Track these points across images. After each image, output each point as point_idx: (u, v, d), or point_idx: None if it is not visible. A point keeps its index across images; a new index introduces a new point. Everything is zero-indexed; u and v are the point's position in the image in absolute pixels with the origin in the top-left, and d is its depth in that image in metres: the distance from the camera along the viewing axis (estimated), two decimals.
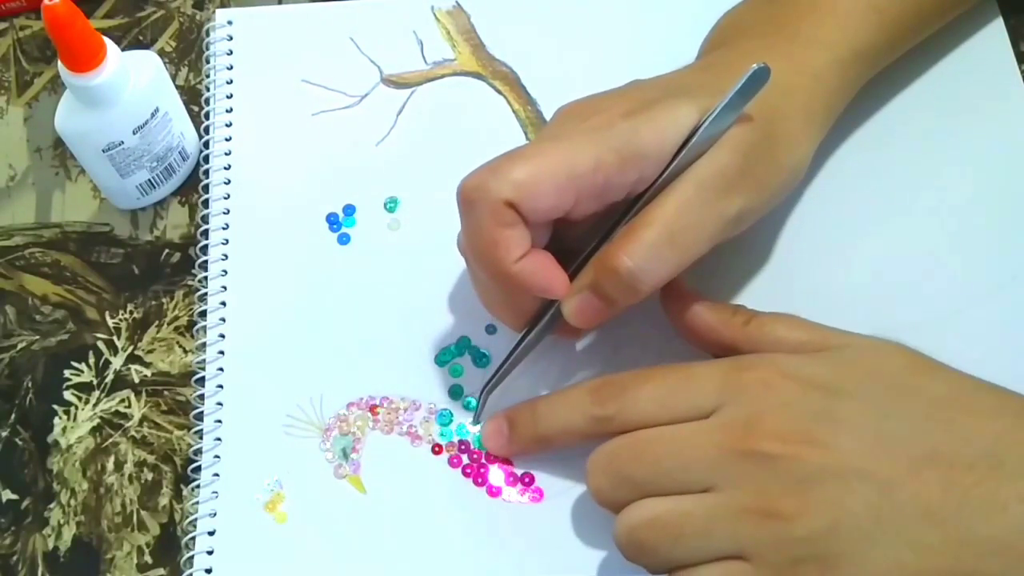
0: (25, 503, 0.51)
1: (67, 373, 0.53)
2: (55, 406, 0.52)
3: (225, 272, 0.54)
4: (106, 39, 0.50)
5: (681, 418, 0.42)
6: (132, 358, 0.53)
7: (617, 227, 0.45)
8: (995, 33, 0.57)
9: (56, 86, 0.61)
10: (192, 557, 0.48)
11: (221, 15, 0.61)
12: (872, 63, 0.51)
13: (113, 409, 0.52)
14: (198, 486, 0.50)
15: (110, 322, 0.54)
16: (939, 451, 0.40)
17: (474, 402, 0.50)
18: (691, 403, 0.43)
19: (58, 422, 0.52)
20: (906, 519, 0.39)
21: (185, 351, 0.53)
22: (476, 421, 0.50)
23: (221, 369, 0.52)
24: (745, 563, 0.40)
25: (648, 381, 0.44)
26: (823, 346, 0.44)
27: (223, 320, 0.53)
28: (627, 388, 0.44)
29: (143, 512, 0.50)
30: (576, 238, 0.47)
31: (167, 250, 0.56)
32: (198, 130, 0.58)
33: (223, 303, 0.53)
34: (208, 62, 0.60)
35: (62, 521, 0.50)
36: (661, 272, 0.44)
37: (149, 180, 0.56)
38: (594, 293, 0.44)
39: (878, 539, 0.39)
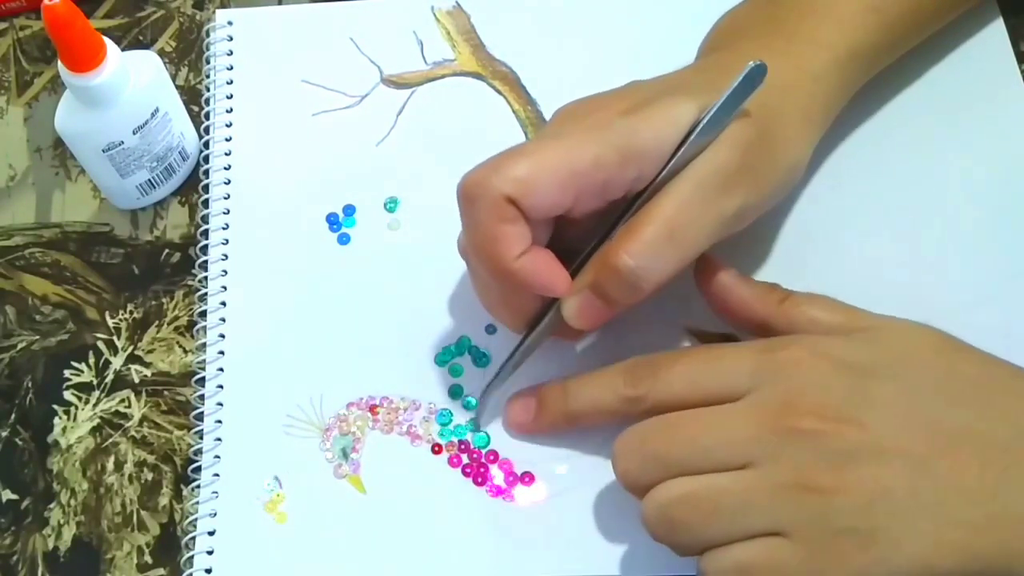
0: (25, 503, 0.51)
1: (67, 373, 0.53)
2: (55, 406, 0.52)
3: (225, 272, 0.54)
4: (106, 39, 0.50)
5: (713, 398, 0.42)
6: (132, 358, 0.53)
7: (617, 226, 0.45)
8: (995, 33, 0.57)
9: (56, 86, 0.61)
10: (192, 557, 0.48)
11: (221, 15, 0.61)
12: (871, 63, 0.51)
13: (113, 409, 0.52)
14: (198, 486, 0.50)
15: (110, 322, 0.54)
16: (974, 430, 0.40)
17: (474, 402, 0.50)
18: (724, 383, 0.43)
19: (58, 422, 0.52)
20: (943, 496, 0.39)
21: (185, 351, 0.53)
22: (476, 425, 0.50)
23: (221, 369, 0.52)
24: (783, 539, 0.40)
25: (680, 361, 0.44)
26: (856, 327, 0.44)
27: (223, 320, 0.53)
28: (660, 368, 0.44)
29: (143, 512, 0.50)
30: (577, 237, 0.47)
31: (167, 250, 0.56)
32: (198, 130, 0.58)
33: (223, 303, 0.53)
34: (208, 62, 0.60)
35: (62, 521, 0.50)
36: (662, 270, 0.44)
37: (149, 180, 0.56)
38: (595, 292, 0.44)
39: (916, 516, 0.39)
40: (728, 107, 0.43)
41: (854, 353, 0.42)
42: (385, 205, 0.56)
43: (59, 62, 0.50)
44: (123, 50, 0.51)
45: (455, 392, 0.51)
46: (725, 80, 0.43)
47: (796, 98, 0.47)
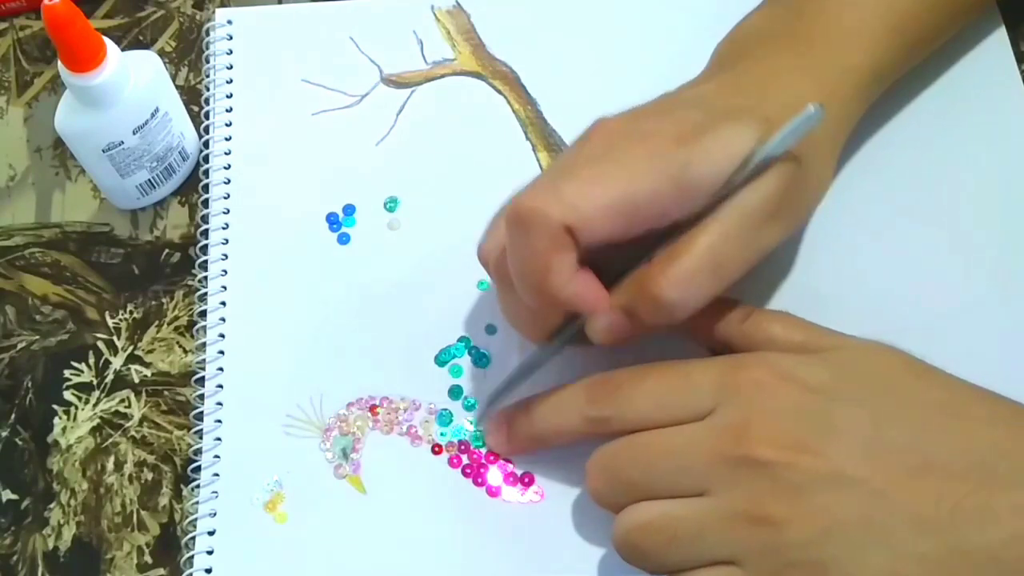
0: (25, 503, 0.51)
1: (67, 373, 0.53)
2: (55, 406, 0.53)
3: (225, 272, 0.54)
4: (106, 39, 0.50)
5: (677, 418, 0.42)
6: (132, 358, 0.53)
7: (655, 248, 0.44)
8: (996, 35, 0.57)
9: (56, 86, 0.61)
10: (192, 557, 0.48)
11: (221, 15, 0.61)
12: (888, 81, 0.51)
13: (113, 409, 0.52)
14: (198, 486, 0.50)
15: (110, 322, 0.54)
16: (932, 460, 0.40)
17: (473, 401, 0.50)
18: (687, 403, 0.43)
19: (58, 422, 0.52)
20: (898, 528, 0.39)
21: (185, 351, 0.53)
22: (478, 425, 0.50)
23: (221, 369, 0.52)
24: (737, 568, 0.40)
25: (643, 380, 0.44)
26: (818, 347, 0.44)
27: (223, 320, 0.53)
28: (622, 387, 0.44)
29: (143, 512, 0.50)
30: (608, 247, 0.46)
31: (167, 250, 0.56)
32: (198, 130, 0.58)
33: (223, 303, 0.53)
34: (208, 62, 0.60)
35: (62, 521, 0.50)
36: (699, 300, 0.43)
37: (149, 180, 0.56)
38: (626, 314, 0.44)
39: (869, 547, 0.39)
40: (781, 146, 0.43)
41: (817, 374, 0.42)
42: (385, 205, 0.56)
43: (59, 62, 0.50)
44: (123, 50, 0.51)
45: (455, 392, 0.51)
46: (768, 102, 0.43)
47: (827, 127, 0.46)
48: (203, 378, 0.52)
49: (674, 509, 0.41)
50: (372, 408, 0.51)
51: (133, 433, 0.52)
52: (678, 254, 0.43)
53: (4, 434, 0.52)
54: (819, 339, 0.45)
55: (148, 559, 0.49)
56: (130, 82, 0.52)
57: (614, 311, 0.44)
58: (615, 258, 0.45)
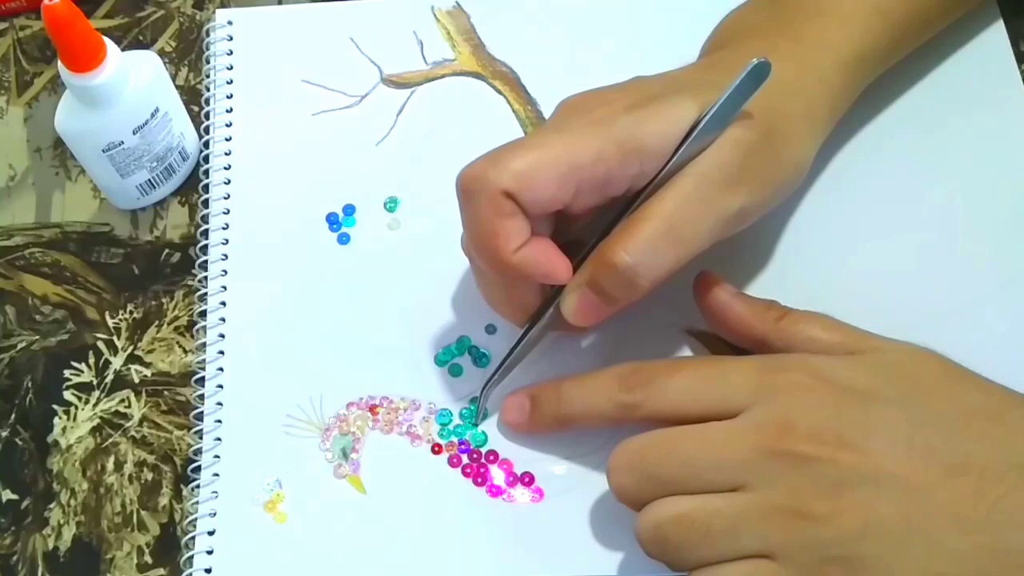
0: (25, 503, 0.51)
1: (67, 373, 0.53)
2: (55, 406, 0.53)
3: (225, 272, 0.54)
4: (106, 39, 0.50)
5: (710, 412, 0.42)
6: (132, 358, 0.53)
7: (617, 222, 0.45)
8: (995, 34, 0.57)
9: (56, 86, 0.61)
10: (192, 557, 0.48)
11: (221, 15, 0.61)
12: (876, 65, 0.51)
13: (113, 409, 0.52)
14: (198, 486, 0.50)
15: (110, 322, 0.54)
16: (971, 460, 0.40)
17: (471, 411, 0.50)
18: (722, 398, 0.42)
19: (58, 422, 0.52)
20: (936, 525, 0.39)
21: (185, 351, 0.53)
22: (475, 421, 0.50)
23: (221, 369, 0.52)
24: (772, 562, 0.40)
25: (679, 371, 0.44)
26: (856, 349, 0.44)
27: (223, 320, 0.53)
28: (657, 376, 0.44)
29: (143, 512, 0.50)
30: (580, 231, 0.46)
31: (167, 250, 0.56)
32: (198, 130, 0.58)
33: (223, 303, 0.53)
34: (208, 62, 0.60)
35: (62, 521, 0.50)
36: (660, 268, 0.43)
37: (149, 180, 0.56)
38: (592, 289, 0.44)
39: (907, 544, 0.39)
40: (731, 104, 0.43)
41: (855, 377, 0.42)
42: (385, 205, 0.56)
43: (59, 62, 0.50)
44: (123, 50, 0.51)
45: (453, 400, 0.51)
46: (730, 78, 0.43)
47: (801, 99, 0.47)
48: (203, 378, 0.52)
49: (711, 502, 0.41)
50: (372, 408, 0.51)
51: (133, 433, 0.52)
52: (635, 222, 0.43)
53: (4, 434, 0.52)
54: (857, 341, 0.44)
55: (148, 559, 0.49)
56: (130, 82, 0.52)
57: (581, 287, 0.45)
58: (593, 236, 0.46)
